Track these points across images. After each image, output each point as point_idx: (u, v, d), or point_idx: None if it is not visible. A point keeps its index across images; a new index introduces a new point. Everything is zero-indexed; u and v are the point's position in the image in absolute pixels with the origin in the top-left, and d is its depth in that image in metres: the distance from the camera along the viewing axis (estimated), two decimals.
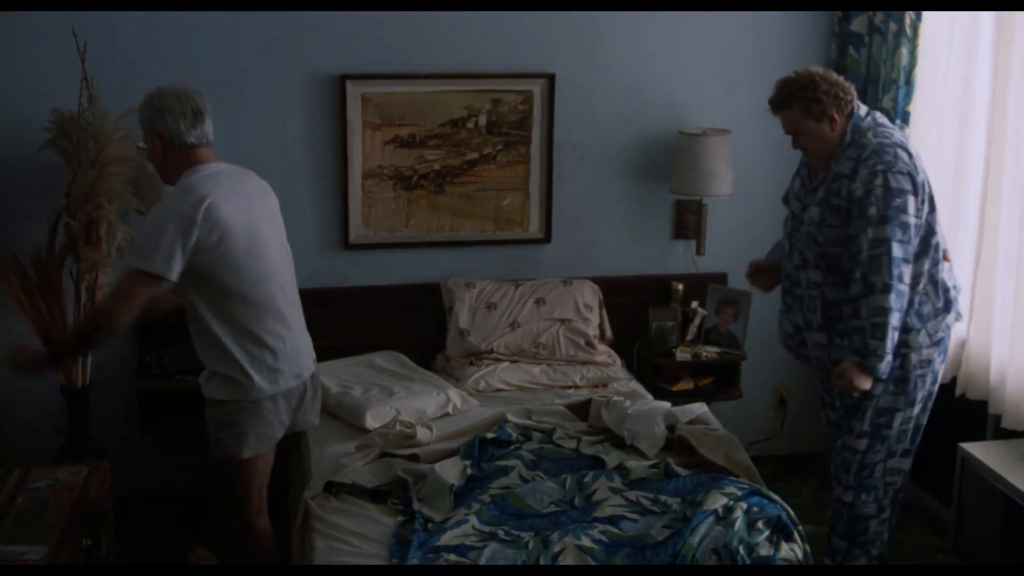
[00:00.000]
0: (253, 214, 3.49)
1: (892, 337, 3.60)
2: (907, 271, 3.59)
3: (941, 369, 3.85)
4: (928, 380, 3.79)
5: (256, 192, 3.61)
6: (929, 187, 3.66)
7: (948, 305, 3.75)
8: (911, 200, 3.56)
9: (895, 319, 3.58)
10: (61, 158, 4.26)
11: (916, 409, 3.81)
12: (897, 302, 3.57)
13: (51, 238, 4.32)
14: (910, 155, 3.61)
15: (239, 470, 3.60)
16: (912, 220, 3.57)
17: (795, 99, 3.69)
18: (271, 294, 3.51)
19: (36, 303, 4.31)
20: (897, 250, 3.55)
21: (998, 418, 4.19)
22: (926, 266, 3.68)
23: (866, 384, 3.65)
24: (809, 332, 3.85)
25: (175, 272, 3.29)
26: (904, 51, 4.43)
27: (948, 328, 3.78)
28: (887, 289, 3.56)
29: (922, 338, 3.71)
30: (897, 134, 3.68)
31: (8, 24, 4.32)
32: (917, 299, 3.69)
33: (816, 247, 3.75)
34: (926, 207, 3.63)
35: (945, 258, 3.77)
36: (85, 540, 3.51)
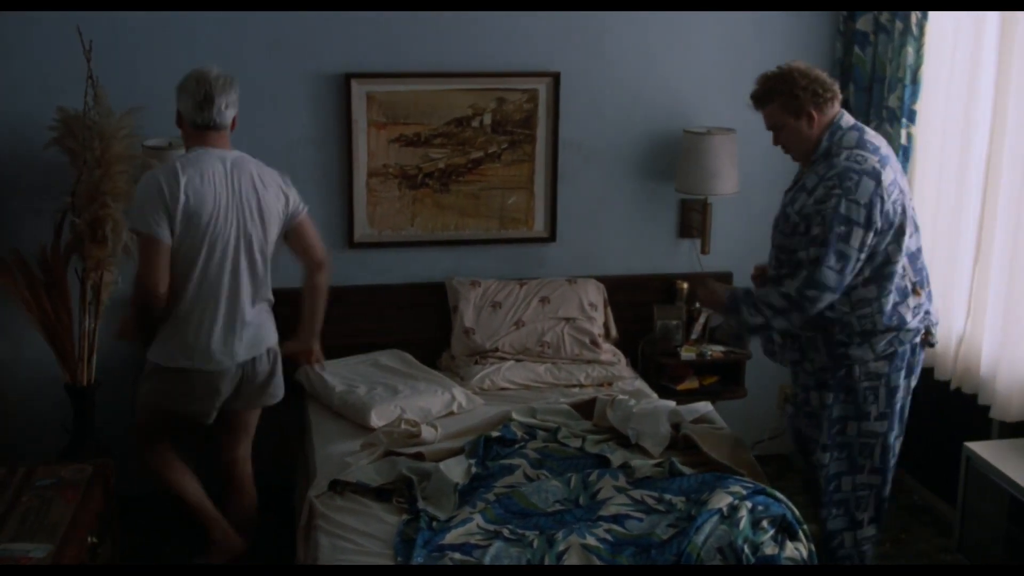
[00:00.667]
0: (228, 202, 3.67)
1: (756, 327, 3.66)
2: (826, 298, 3.50)
3: (906, 384, 3.72)
4: (884, 393, 3.67)
5: (248, 182, 3.73)
6: (901, 216, 3.54)
7: (902, 324, 3.63)
8: (857, 231, 3.44)
9: (777, 322, 3.58)
10: (66, 157, 4.26)
11: (877, 426, 3.70)
12: (786, 316, 3.54)
13: (56, 236, 4.33)
14: (878, 183, 3.47)
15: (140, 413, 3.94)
16: (853, 253, 3.46)
17: (774, 94, 3.64)
18: (211, 282, 3.70)
19: (41, 301, 4.32)
20: (824, 275, 3.47)
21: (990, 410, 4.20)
22: (874, 293, 3.56)
23: (705, 301, 3.94)
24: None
25: (163, 230, 3.57)
26: (910, 50, 4.43)
27: (902, 343, 3.65)
28: (787, 298, 3.53)
29: (863, 352, 3.61)
30: (872, 160, 3.51)
31: (14, 23, 4.32)
32: (856, 321, 3.58)
33: (774, 248, 3.73)
34: (885, 238, 3.52)
35: (915, 291, 3.65)
36: (90, 538, 3.51)
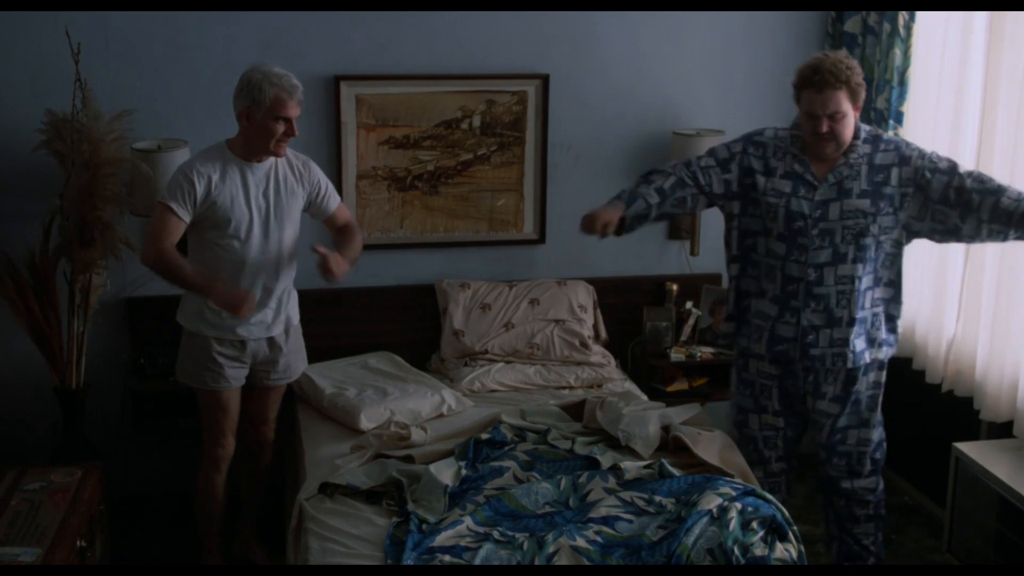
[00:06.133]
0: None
1: None
2: None
3: None
4: None
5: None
6: None
7: None
8: None
9: None
10: (55, 159, 4.25)
11: None
12: None
13: (45, 239, 4.32)
14: None
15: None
16: None
17: (848, 80, 3.59)
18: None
19: (30, 305, 4.31)
20: None
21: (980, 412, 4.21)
22: None
23: None
24: (831, 329, 3.78)
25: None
26: (898, 51, 4.44)
27: None
28: None
29: None
30: None
31: (1, 24, 4.31)
32: None
33: (864, 238, 3.71)
34: None
35: None
36: (79, 541, 3.51)
